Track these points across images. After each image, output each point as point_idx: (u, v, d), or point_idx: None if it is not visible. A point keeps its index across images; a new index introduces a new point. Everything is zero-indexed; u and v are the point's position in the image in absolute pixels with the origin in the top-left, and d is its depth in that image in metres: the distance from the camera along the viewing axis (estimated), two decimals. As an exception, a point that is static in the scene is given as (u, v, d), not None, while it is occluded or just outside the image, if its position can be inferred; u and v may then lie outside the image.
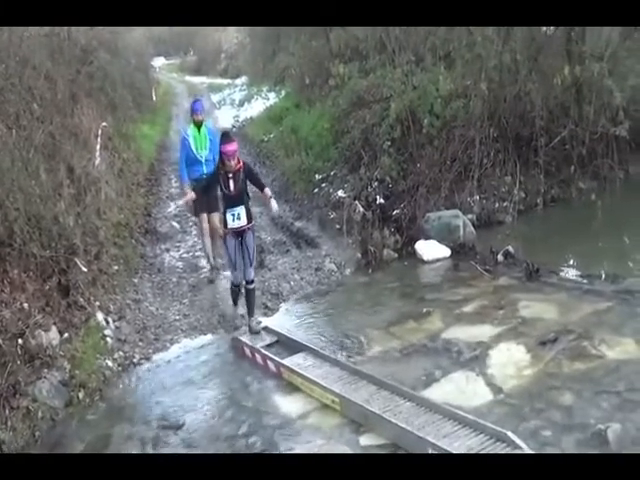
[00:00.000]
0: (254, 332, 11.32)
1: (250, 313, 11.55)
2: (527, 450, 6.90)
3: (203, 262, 14.75)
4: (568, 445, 7.25)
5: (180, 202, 14.46)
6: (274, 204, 11.53)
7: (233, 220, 11.07)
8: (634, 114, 17.62)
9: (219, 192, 11.30)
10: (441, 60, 19.13)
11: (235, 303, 12.09)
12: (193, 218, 14.88)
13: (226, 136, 10.94)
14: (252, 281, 11.48)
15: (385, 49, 20.94)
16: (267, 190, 11.36)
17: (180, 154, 13.91)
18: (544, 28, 17.92)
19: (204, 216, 13.79)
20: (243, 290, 11.64)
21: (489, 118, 16.79)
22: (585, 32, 17.74)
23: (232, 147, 10.75)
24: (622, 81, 17.22)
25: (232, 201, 11.08)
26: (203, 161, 13.57)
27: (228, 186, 10.99)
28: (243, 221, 11.11)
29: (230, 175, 10.92)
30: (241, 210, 11.07)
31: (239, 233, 11.22)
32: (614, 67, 17.45)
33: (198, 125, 13.71)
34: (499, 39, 17.41)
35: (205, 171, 13.26)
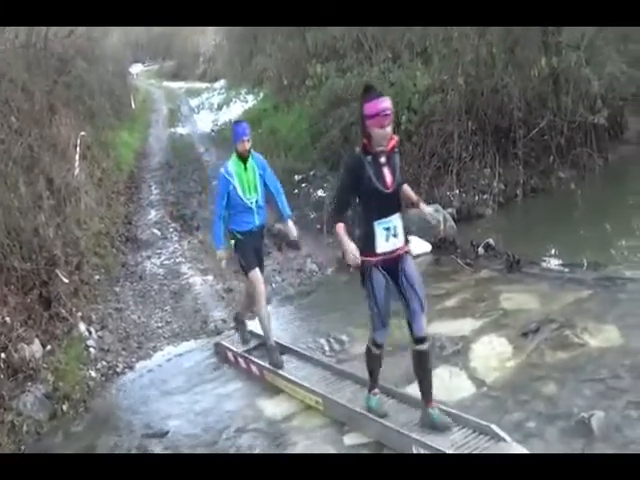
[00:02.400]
0: (442, 428, 7.40)
1: (427, 396, 7.53)
2: (511, 442, 6.85)
3: (184, 268, 14.70)
4: (552, 435, 7.23)
5: (222, 264, 10.22)
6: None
7: (387, 238, 7.07)
8: (612, 102, 17.71)
9: (360, 193, 7.09)
10: (418, 56, 19.20)
11: (374, 378, 8.12)
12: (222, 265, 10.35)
13: (371, 89, 7.04)
14: (424, 338, 7.38)
15: (362, 47, 20.97)
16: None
17: (218, 200, 9.93)
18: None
19: (258, 273, 9.93)
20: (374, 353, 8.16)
21: (467, 112, 16.83)
22: (561, 22, 17.77)
23: (386, 103, 6.79)
24: (600, 69, 17.28)
25: (386, 205, 7.03)
26: (254, 208, 9.80)
27: (381, 177, 6.94)
28: (400, 240, 7.21)
29: (383, 159, 7.00)
30: (397, 221, 7.13)
31: (392, 261, 7.24)
32: (591, 56, 17.53)
33: (244, 158, 9.75)
34: (475, 33, 17.43)
35: (257, 222, 9.84)
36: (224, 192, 9.82)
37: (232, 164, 9.84)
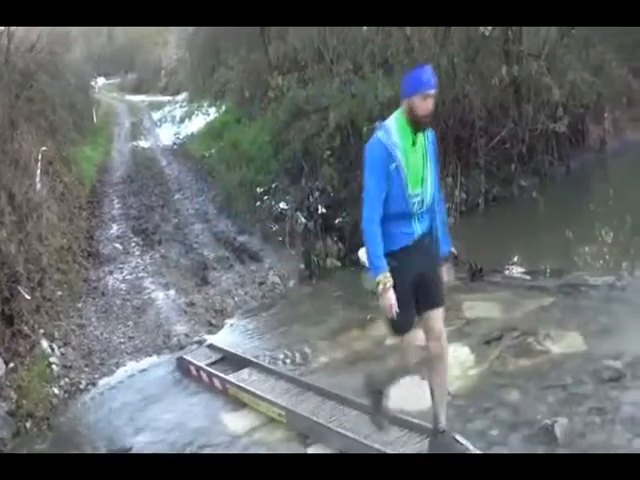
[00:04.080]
0: None
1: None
2: (474, 451, 6.82)
3: (147, 283, 14.63)
4: (515, 443, 7.21)
5: (390, 313, 5.82)
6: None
7: None
8: (573, 109, 17.83)
9: None
10: (379, 67, 19.17)
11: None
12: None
13: None
14: None
15: (323, 59, 20.96)
16: None
17: (371, 187, 5.83)
18: (481, 29, 18.09)
19: (414, 337, 6.24)
20: None
21: (428, 122, 16.80)
22: (522, 31, 17.89)
23: None
24: (561, 77, 17.40)
25: None
26: (418, 211, 6.05)
27: None
28: None
29: None
30: None
31: None
32: (552, 64, 17.68)
33: (418, 126, 5.89)
34: (436, 43, 17.49)
35: (420, 230, 6.12)
36: (382, 172, 5.79)
37: (397, 129, 5.89)
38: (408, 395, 8.52)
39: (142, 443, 8.89)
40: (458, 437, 7.05)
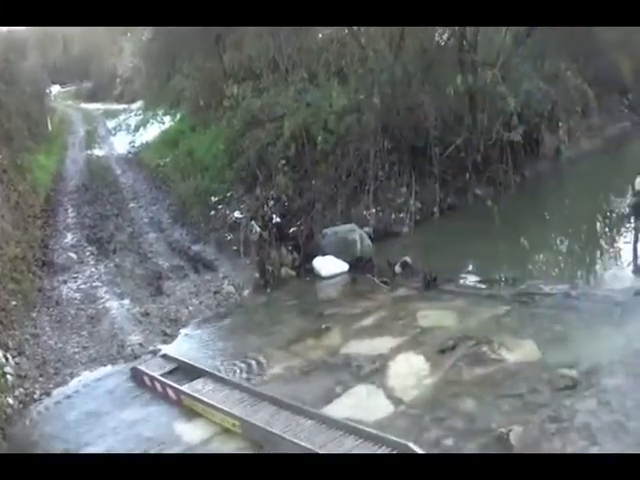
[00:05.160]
0: None
1: None
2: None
3: (101, 292, 14.49)
4: (471, 452, 7.18)
5: None
6: None
7: None
8: (528, 118, 17.91)
9: None
10: (334, 76, 19.19)
11: None
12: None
13: None
14: None
15: (278, 67, 20.95)
16: None
17: None
18: (436, 39, 18.19)
19: None
20: None
21: (383, 131, 16.86)
22: (477, 41, 17.96)
23: None
24: (516, 86, 17.45)
25: None
26: None
27: None
28: None
29: None
30: None
31: None
32: (507, 73, 17.74)
33: None
34: (391, 53, 17.53)
35: None
36: None
37: None
38: (362, 406, 8.54)
39: (97, 453, 8.74)
40: (412, 446, 7.04)
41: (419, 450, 6.97)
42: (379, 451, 7.26)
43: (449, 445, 7.42)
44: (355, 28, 18.86)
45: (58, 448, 9.06)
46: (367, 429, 7.69)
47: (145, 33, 37.17)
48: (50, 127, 40.26)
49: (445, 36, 18.76)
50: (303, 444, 7.58)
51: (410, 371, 9.25)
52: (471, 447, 7.31)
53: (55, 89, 65.47)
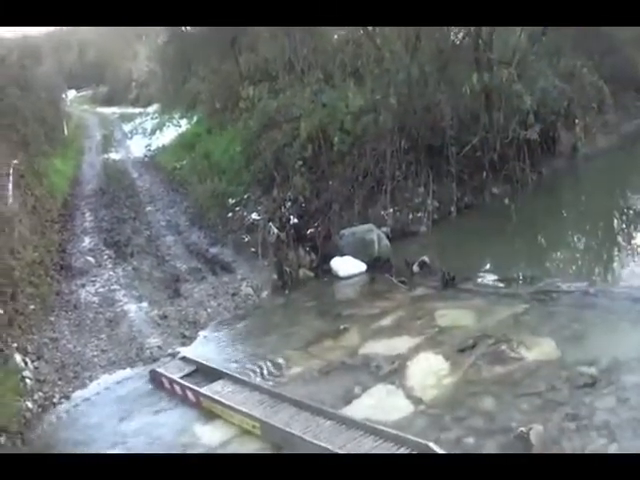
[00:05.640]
0: None
1: None
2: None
3: (119, 295, 14.52)
4: (491, 451, 7.18)
5: None
6: None
7: None
8: (544, 116, 17.84)
9: None
10: (350, 76, 19.20)
11: None
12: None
13: None
14: None
15: (294, 69, 20.96)
16: None
17: None
18: (452, 38, 18.14)
19: None
20: None
21: (399, 131, 16.82)
22: (493, 40, 17.91)
23: None
24: (532, 84, 17.40)
25: None
26: None
27: None
28: None
29: None
30: None
31: None
32: (523, 71, 17.69)
33: None
34: (407, 53, 17.52)
35: None
36: None
37: None
38: (382, 406, 8.54)
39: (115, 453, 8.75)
40: (432, 446, 7.03)
41: (440, 450, 6.96)
42: (399, 451, 7.25)
43: (469, 443, 7.39)
44: (370, 29, 18.87)
45: (76, 450, 9.07)
46: (387, 429, 7.66)
47: (160, 37, 37.21)
48: (66, 132, 40.31)
49: (460, 35, 18.69)
50: (323, 445, 7.57)
51: (429, 370, 9.22)
52: (491, 446, 7.28)
53: (71, 94, 65.63)
